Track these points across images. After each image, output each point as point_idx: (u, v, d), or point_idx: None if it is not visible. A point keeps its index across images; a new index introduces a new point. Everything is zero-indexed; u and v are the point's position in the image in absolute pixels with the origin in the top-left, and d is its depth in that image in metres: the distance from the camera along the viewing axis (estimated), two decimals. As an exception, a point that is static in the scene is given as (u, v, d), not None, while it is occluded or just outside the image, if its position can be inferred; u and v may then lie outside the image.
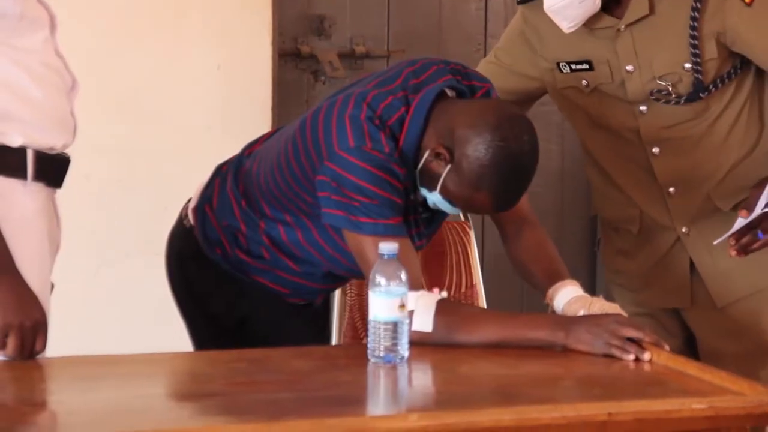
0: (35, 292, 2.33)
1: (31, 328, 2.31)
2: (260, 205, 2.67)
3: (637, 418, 2.05)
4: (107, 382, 2.22)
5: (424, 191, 2.58)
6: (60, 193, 2.48)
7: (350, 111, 2.53)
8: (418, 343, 2.40)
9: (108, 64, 3.66)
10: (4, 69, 2.33)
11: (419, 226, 2.64)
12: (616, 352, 2.36)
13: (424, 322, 2.42)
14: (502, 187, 2.50)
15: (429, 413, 2.01)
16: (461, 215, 3.24)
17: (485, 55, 4.21)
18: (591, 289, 4.26)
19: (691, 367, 2.30)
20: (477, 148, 2.47)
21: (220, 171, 2.79)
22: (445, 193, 2.54)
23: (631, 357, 2.35)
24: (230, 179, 2.73)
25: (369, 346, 2.31)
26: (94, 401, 2.10)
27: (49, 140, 2.40)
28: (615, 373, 2.33)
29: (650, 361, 2.35)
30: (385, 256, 2.29)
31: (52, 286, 2.46)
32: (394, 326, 2.29)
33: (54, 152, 2.42)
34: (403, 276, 2.29)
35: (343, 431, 1.93)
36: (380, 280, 2.29)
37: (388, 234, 2.46)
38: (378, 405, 2.23)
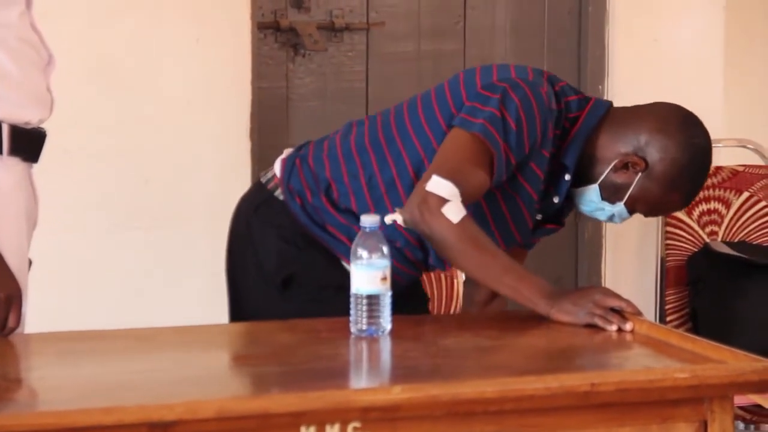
0: (12, 267, 2.31)
1: (5, 300, 2.28)
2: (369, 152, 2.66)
3: (620, 388, 2.05)
4: (90, 358, 2.21)
5: (603, 205, 2.62)
6: (39, 168, 2.46)
7: (532, 67, 2.59)
8: (429, 237, 2.44)
9: (86, 38, 3.63)
10: (-21, 44, 2.31)
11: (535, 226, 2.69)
12: (599, 322, 2.37)
13: (456, 215, 2.43)
14: (694, 184, 2.60)
15: (412, 385, 2.00)
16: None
17: (465, 28, 4.20)
18: (574, 258, 4.27)
19: (673, 337, 2.30)
20: (673, 150, 2.55)
21: (311, 141, 2.76)
22: (633, 202, 2.60)
23: (614, 327, 2.36)
24: (339, 138, 2.70)
25: (351, 319, 2.31)
26: (76, 377, 2.09)
27: (25, 115, 2.38)
28: (598, 344, 2.34)
29: (632, 331, 2.35)
30: (367, 229, 2.29)
31: (30, 262, 2.44)
32: (377, 299, 2.28)
33: (30, 127, 2.40)
34: (385, 249, 2.29)
35: (328, 404, 1.92)
36: (362, 252, 2.28)
37: (495, 148, 2.47)
38: (362, 378, 2.23)
